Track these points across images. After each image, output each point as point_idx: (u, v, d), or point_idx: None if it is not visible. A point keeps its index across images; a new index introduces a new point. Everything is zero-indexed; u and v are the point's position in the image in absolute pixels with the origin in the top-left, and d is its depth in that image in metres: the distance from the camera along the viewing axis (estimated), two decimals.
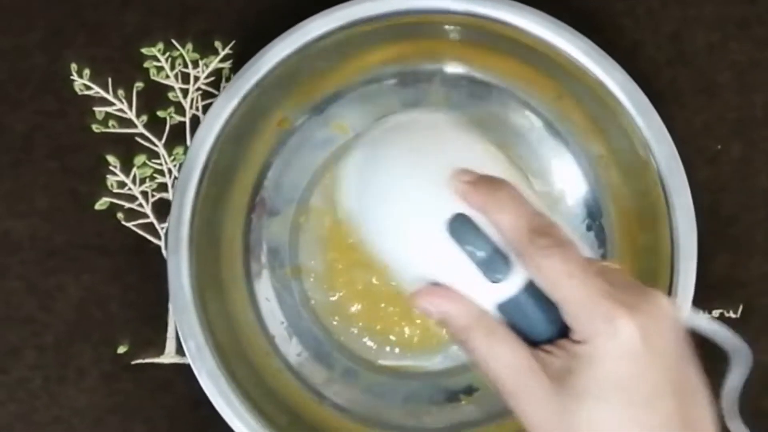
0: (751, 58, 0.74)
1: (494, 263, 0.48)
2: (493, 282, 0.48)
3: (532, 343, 0.48)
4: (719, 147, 0.73)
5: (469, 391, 0.70)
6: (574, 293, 0.46)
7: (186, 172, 0.65)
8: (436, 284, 0.49)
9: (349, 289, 0.70)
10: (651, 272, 0.67)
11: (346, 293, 0.71)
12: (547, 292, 0.47)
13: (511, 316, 0.48)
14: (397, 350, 0.70)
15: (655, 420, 0.45)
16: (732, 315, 0.72)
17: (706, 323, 0.55)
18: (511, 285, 0.48)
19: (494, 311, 0.48)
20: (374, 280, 0.70)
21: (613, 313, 0.45)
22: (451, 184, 0.49)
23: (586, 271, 0.46)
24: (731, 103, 0.74)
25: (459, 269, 0.48)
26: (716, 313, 0.72)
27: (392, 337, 0.70)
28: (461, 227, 0.48)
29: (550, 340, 0.47)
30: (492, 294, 0.48)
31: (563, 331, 0.47)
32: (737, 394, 0.60)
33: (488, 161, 0.51)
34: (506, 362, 0.47)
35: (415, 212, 0.50)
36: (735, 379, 0.59)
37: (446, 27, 0.68)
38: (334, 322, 0.71)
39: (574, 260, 0.46)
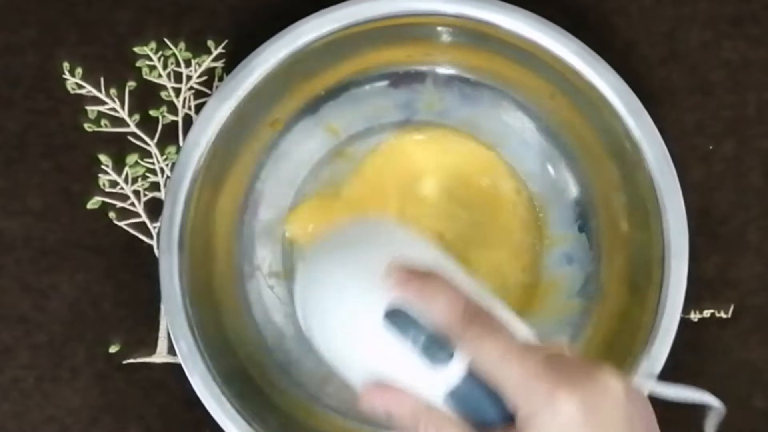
0: (745, 57, 0.74)
1: (435, 348, 0.47)
2: (437, 366, 0.47)
3: (484, 430, 0.47)
4: (711, 147, 0.73)
5: None
6: (511, 375, 0.45)
7: (178, 173, 0.65)
8: (381, 383, 0.49)
9: None
10: (642, 273, 0.67)
11: None
12: (486, 376, 0.47)
13: (458, 406, 0.48)
14: None
15: None
16: (723, 315, 0.72)
17: (673, 390, 0.54)
18: (455, 371, 0.47)
19: (442, 403, 0.48)
20: None
21: (552, 389, 0.44)
22: (384, 279, 0.49)
23: (522, 353, 0.46)
24: (724, 102, 0.74)
25: (402, 363, 0.48)
26: (707, 313, 0.72)
27: None
28: (398, 318, 0.48)
29: (502, 426, 0.47)
30: (437, 384, 0.48)
31: (511, 417, 0.46)
32: None
33: (423, 252, 0.52)
34: None
35: (353, 311, 0.50)
36: (711, 427, 0.59)
37: (438, 29, 0.68)
38: None
39: (509, 342, 0.46)
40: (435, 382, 0.48)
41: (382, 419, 0.49)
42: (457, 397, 0.47)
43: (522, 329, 0.50)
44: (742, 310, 0.72)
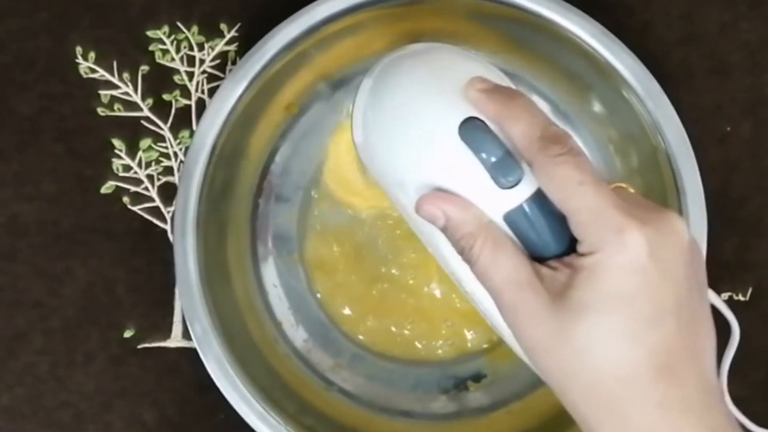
0: (763, 38, 0.74)
1: (506, 167, 0.47)
2: (504, 187, 0.47)
3: (538, 259, 0.47)
4: (729, 129, 0.73)
5: (477, 378, 0.70)
6: (585, 202, 0.45)
7: (192, 156, 0.64)
8: (441, 191, 0.48)
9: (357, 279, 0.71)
10: None
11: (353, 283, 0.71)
12: (556, 202, 0.46)
13: (517, 228, 0.47)
14: (405, 340, 0.70)
15: (654, 339, 0.44)
16: (741, 298, 0.72)
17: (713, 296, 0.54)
18: (520, 193, 0.47)
19: (501, 222, 0.47)
20: (383, 270, 0.70)
21: (623, 224, 0.44)
22: (465, 91, 0.48)
23: (597, 182, 0.45)
24: (742, 83, 0.73)
25: (468, 176, 0.47)
26: (725, 296, 0.72)
27: (403, 330, 0.70)
28: (474, 131, 0.47)
29: (556, 257, 0.46)
30: (500, 203, 0.47)
31: (570, 248, 0.46)
32: (726, 371, 0.60)
33: (499, 80, 0.51)
34: (507, 274, 0.46)
35: (425, 120, 0.49)
36: (729, 355, 0.59)
37: (455, 10, 0.67)
38: (344, 312, 0.71)
39: (587, 169, 0.45)
40: (497, 201, 0.47)
41: (437, 225, 0.48)
42: (515, 219, 0.47)
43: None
44: (760, 293, 0.72)
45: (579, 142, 0.70)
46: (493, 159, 0.47)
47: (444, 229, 0.48)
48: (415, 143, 0.49)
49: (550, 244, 0.47)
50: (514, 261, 0.46)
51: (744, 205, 0.73)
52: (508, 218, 0.47)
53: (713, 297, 0.52)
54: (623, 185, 0.49)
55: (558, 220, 0.46)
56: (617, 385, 0.44)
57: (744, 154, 0.73)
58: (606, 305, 0.44)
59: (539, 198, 0.47)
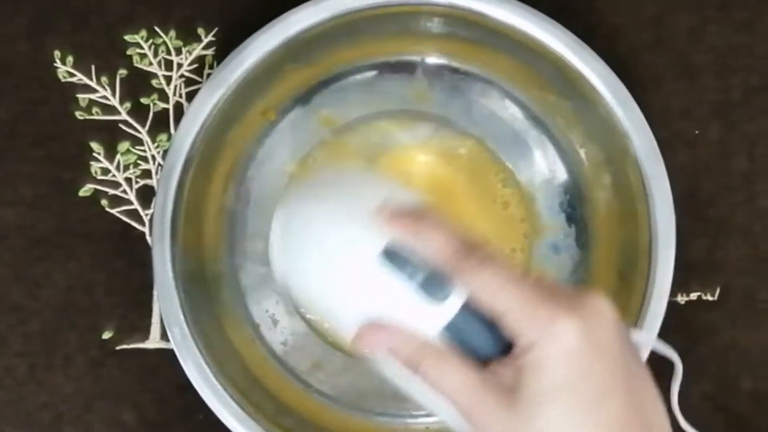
0: (730, 42, 0.75)
1: (432, 284, 0.48)
2: (434, 302, 0.48)
3: (481, 361, 0.48)
4: (697, 132, 0.74)
5: None
6: (510, 303, 0.46)
7: (170, 161, 0.65)
8: (376, 323, 0.49)
9: None
10: (630, 260, 0.67)
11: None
12: (485, 307, 0.47)
13: (456, 338, 0.48)
14: None
15: (605, 419, 0.45)
16: (709, 297, 0.73)
17: (643, 338, 0.56)
18: (452, 305, 0.48)
19: (439, 336, 0.48)
20: None
21: (552, 315, 0.45)
22: (376, 216, 0.49)
23: (518, 281, 0.46)
24: (710, 87, 0.74)
25: (397, 301, 0.48)
26: (694, 295, 0.73)
27: None
28: (394, 257, 0.48)
29: (498, 357, 0.47)
30: (434, 319, 0.48)
31: (509, 347, 0.47)
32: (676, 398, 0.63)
33: (406, 197, 0.52)
34: (457, 383, 0.47)
35: (343, 252, 0.50)
36: (676, 384, 0.62)
37: (428, 18, 0.68)
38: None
39: (505, 272, 0.47)
40: (431, 318, 0.48)
41: (377, 359, 0.50)
42: (453, 330, 0.48)
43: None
44: (728, 292, 0.73)
45: (550, 146, 0.71)
46: (419, 279, 0.48)
47: (386, 358, 0.49)
48: (338, 278, 0.50)
49: (490, 347, 0.48)
50: (461, 370, 0.47)
51: (713, 206, 0.74)
52: (446, 331, 0.48)
53: (653, 342, 0.56)
54: (543, 275, 0.50)
55: (492, 324, 0.47)
56: None
57: (712, 156, 0.74)
58: (552, 395, 0.45)
59: (471, 306, 0.48)
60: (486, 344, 0.48)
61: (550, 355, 0.45)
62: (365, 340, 0.49)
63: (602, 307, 0.46)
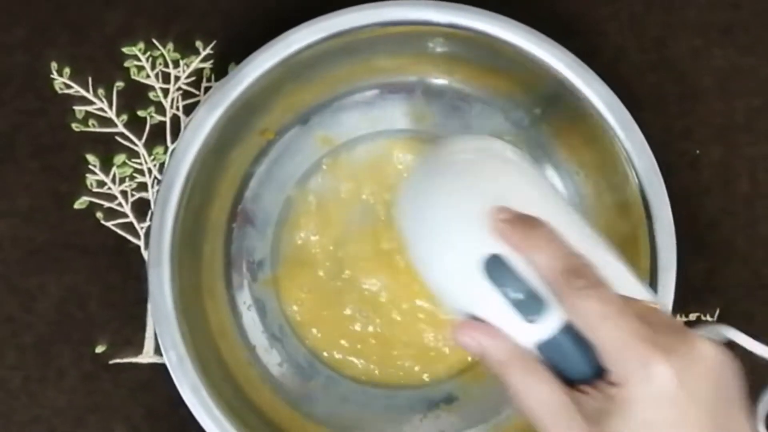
0: (733, 64, 0.75)
1: (529, 305, 0.48)
2: (529, 323, 0.48)
3: (570, 382, 0.48)
4: (698, 152, 0.73)
5: (449, 400, 0.70)
6: (609, 336, 0.45)
7: (167, 183, 0.64)
8: (475, 319, 0.49)
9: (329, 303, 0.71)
10: None
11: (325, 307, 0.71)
12: (583, 333, 0.47)
13: (549, 356, 0.48)
14: (377, 363, 0.71)
15: None
16: (708, 318, 0.73)
17: (747, 341, 0.55)
18: (549, 325, 0.48)
19: (533, 349, 0.48)
20: (354, 294, 0.71)
21: (648, 356, 0.44)
22: (488, 222, 0.49)
23: (621, 313, 0.46)
24: (713, 109, 0.74)
25: (496, 307, 0.48)
26: (693, 316, 0.72)
27: (374, 354, 0.71)
28: (497, 269, 0.48)
29: (588, 380, 0.47)
30: (530, 333, 0.48)
31: (601, 372, 0.47)
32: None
33: (535, 197, 0.52)
34: (542, 400, 0.47)
35: (454, 248, 0.50)
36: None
37: (429, 39, 0.68)
38: (316, 335, 0.71)
39: (609, 301, 0.46)
40: (525, 334, 0.48)
41: (473, 353, 0.50)
42: (547, 348, 0.48)
43: (631, 281, 0.50)
44: (727, 314, 0.73)
45: (550, 168, 0.71)
46: (517, 297, 0.48)
47: (478, 356, 0.49)
48: (445, 266, 0.51)
49: (582, 371, 0.47)
50: (547, 387, 0.47)
51: (714, 228, 0.73)
52: (541, 348, 0.48)
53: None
54: (648, 303, 0.49)
55: (588, 348, 0.47)
56: None
57: (714, 178, 0.74)
58: None
59: (569, 329, 0.47)
60: (579, 367, 0.47)
61: (642, 397, 0.44)
62: (463, 336, 0.49)
63: (705, 353, 0.45)
